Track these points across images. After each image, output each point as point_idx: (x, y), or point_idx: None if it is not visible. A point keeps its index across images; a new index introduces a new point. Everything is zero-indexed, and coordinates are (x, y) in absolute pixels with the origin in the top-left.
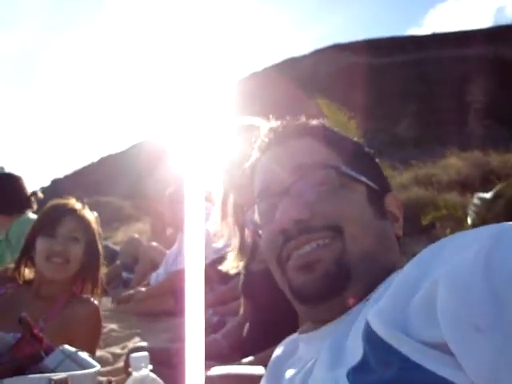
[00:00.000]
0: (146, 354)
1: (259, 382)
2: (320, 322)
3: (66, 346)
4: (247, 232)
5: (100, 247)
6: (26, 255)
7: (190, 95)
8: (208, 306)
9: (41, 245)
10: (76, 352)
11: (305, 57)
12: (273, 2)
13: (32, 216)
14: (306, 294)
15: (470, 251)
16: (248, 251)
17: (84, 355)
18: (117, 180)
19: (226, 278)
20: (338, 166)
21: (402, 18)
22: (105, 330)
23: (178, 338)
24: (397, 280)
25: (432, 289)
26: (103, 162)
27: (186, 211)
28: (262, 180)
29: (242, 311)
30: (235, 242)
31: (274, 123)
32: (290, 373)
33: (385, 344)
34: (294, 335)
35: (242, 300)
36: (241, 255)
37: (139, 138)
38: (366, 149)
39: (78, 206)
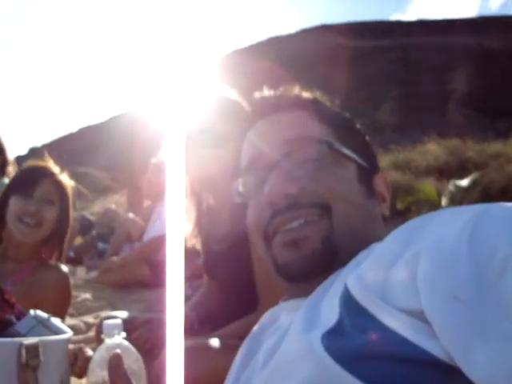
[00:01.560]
0: (119, 320)
1: (229, 353)
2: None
3: (39, 312)
4: (203, 208)
5: (71, 215)
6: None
7: (171, 68)
8: (184, 279)
9: (14, 204)
10: (48, 318)
11: (291, 36)
12: None
13: (6, 181)
14: (291, 271)
15: (457, 224)
16: (205, 228)
17: (57, 321)
18: (96, 151)
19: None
20: (329, 141)
21: (388, 2)
22: (78, 300)
23: (150, 308)
24: (378, 248)
25: (414, 259)
26: (82, 132)
27: (167, 180)
28: (251, 152)
29: (206, 285)
30: (190, 216)
31: (267, 93)
32: (268, 341)
33: (362, 309)
34: (275, 307)
35: (204, 277)
36: (196, 231)
37: (119, 110)
38: (358, 126)
39: (56, 169)
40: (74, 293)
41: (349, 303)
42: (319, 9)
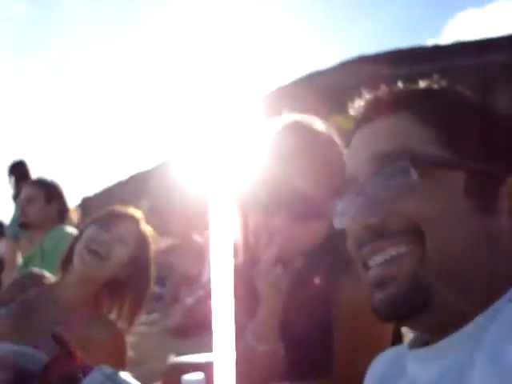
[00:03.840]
0: (201, 376)
1: None
2: (427, 333)
3: (105, 366)
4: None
5: (151, 267)
6: (70, 258)
7: (216, 111)
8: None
9: (88, 233)
10: (116, 373)
11: (330, 69)
12: (297, 16)
13: (69, 230)
14: (380, 314)
15: None
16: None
17: (125, 376)
18: (142, 197)
19: None
20: (422, 151)
21: (423, 28)
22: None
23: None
24: None
25: None
26: (131, 179)
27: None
28: (347, 169)
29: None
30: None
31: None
32: None
33: None
34: (396, 349)
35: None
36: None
37: (164, 157)
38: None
39: (138, 214)
40: (134, 338)
41: None
42: (356, 40)
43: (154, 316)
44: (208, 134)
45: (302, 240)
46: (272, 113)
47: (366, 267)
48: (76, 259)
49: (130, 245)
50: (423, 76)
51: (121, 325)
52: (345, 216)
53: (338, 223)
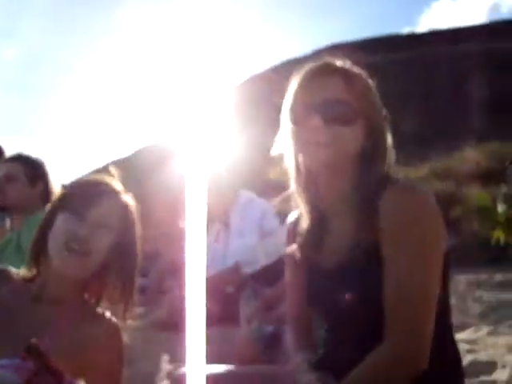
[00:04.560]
0: None
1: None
2: None
3: None
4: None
5: (138, 245)
6: (43, 239)
7: (191, 100)
8: (253, 316)
9: (62, 225)
10: None
11: (303, 57)
12: (273, 6)
13: None
14: None
15: None
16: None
17: None
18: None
19: (270, 278)
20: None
21: (398, 16)
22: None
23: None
24: None
25: None
26: (108, 167)
27: (186, 223)
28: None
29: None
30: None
31: None
32: None
33: None
34: None
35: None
36: (308, 238)
37: (144, 143)
38: None
39: (118, 187)
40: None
41: None
42: (333, 29)
43: (139, 310)
44: (186, 121)
45: (342, 143)
46: (247, 100)
47: None
48: (55, 257)
49: (113, 226)
50: (399, 63)
51: (114, 318)
52: None
53: None
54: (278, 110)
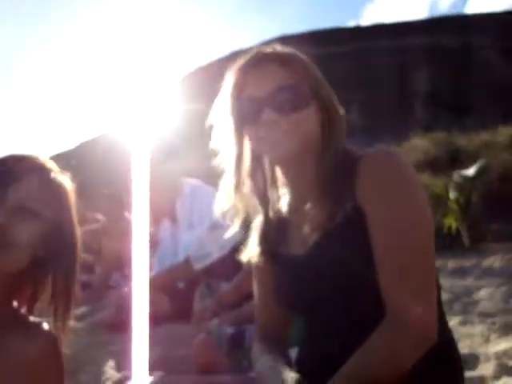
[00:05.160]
0: None
1: None
2: None
3: None
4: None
5: (76, 235)
6: None
7: (136, 92)
8: (207, 313)
9: None
10: None
11: (253, 48)
12: None
13: None
14: None
15: None
16: (273, 230)
17: None
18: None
19: (225, 272)
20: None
21: (343, 9)
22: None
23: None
24: None
25: None
26: (52, 159)
27: (133, 218)
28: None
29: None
30: (257, 218)
31: None
32: None
33: None
34: None
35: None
36: (266, 235)
37: (89, 136)
38: None
39: (49, 164)
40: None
41: None
42: (279, 21)
43: (83, 309)
44: (131, 112)
45: (302, 129)
46: (192, 92)
47: None
48: None
49: (42, 211)
50: (344, 56)
51: (52, 324)
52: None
53: None
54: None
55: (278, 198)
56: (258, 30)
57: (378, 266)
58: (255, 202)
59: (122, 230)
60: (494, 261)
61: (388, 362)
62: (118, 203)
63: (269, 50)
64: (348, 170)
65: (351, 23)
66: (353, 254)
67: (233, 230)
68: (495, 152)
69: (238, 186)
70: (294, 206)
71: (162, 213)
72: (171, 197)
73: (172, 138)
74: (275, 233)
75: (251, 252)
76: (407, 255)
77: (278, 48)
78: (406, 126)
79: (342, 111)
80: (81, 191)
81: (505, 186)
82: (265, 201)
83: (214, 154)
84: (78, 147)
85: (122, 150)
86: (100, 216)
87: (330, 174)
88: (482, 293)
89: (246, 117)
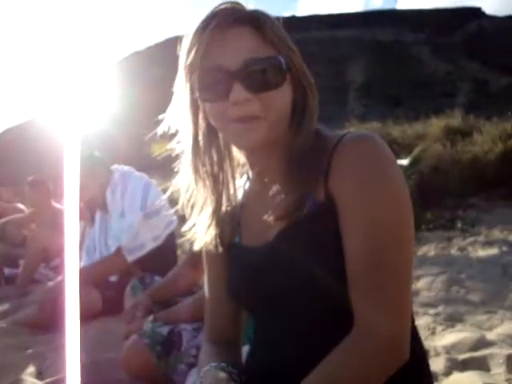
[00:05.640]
0: None
1: None
2: None
3: None
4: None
5: None
6: None
7: (67, 76)
8: (144, 312)
9: None
10: None
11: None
12: None
13: None
14: None
15: None
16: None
17: None
18: None
19: (160, 265)
20: None
21: (279, 1)
22: None
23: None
24: None
25: None
26: None
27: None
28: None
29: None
30: (208, 205)
31: None
32: None
33: None
34: None
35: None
36: (218, 223)
37: (14, 122)
38: None
39: None
40: None
41: None
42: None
43: (6, 306)
44: (63, 98)
45: (276, 110)
46: (127, 76)
47: None
48: None
49: None
50: None
51: None
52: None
53: None
54: (158, 84)
55: (233, 180)
56: (195, 17)
57: (348, 272)
58: (208, 183)
59: (48, 220)
60: (429, 249)
61: (356, 381)
62: (44, 190)
63: (238, 6)
64: (321, 155)
65: (287, 14)
66: (321, 248)
67: (170, 217)
68: (428, 143)
69: (197, 170)
70: (255, 191)
71: (95, 201)
72: (103, 184)
73: (106, 124)
74: (228, 219)
75: (200, 240)
76: (381, 268)
77: (249, 6)
78: (340, 116)
79: (314, 87)
80: (7, 179)
81: (438, 175)
82: (217, 182)
83: (171, 136)
84: (2, 133)
85: (50, 136)
86: (24, 206)
87: (301, 158)
88: (421, 283)
89: (208, 92)
